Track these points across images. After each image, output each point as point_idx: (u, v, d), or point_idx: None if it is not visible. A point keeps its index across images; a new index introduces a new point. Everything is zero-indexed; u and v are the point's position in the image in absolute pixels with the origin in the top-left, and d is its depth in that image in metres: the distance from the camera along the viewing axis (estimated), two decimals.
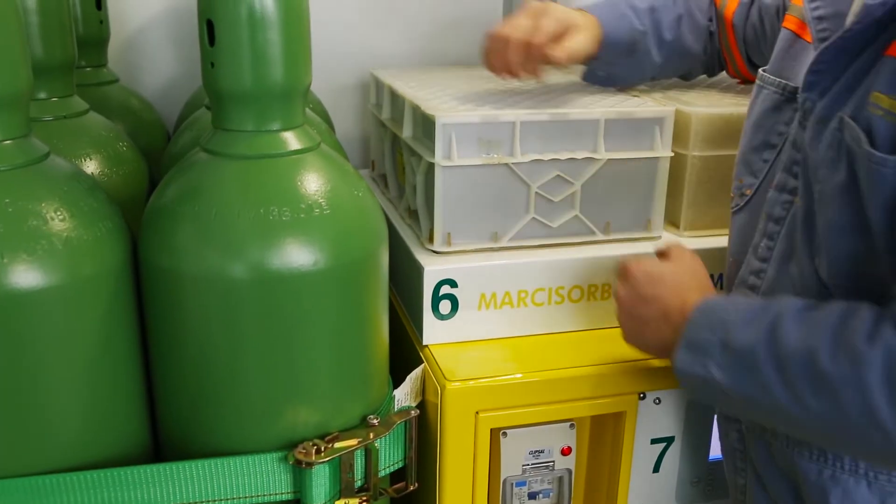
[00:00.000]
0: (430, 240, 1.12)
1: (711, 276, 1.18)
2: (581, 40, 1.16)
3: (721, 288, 1.20)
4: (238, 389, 0.90)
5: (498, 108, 1.10)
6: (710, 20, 1.28)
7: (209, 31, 0.86)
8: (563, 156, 1.11)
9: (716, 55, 1.31)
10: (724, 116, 1.19)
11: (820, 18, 0.92)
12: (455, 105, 1.12)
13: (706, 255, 1.17)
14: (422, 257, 1.11)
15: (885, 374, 0.73)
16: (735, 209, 1.07)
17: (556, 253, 1.13)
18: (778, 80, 1.00)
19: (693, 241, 1.20)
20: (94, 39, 1.36)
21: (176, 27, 1.54)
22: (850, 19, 0.87)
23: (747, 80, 1.31)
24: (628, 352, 1.02)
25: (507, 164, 1.09)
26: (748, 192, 1.03)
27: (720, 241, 1.20)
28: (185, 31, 1.55)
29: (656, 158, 1.15)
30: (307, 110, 1.11)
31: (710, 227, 1.22)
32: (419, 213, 1.16)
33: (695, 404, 1.12)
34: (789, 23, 1.03)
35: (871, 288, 0.82)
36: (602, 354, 1.09)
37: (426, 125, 1.12)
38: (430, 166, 1.09)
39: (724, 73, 1.36)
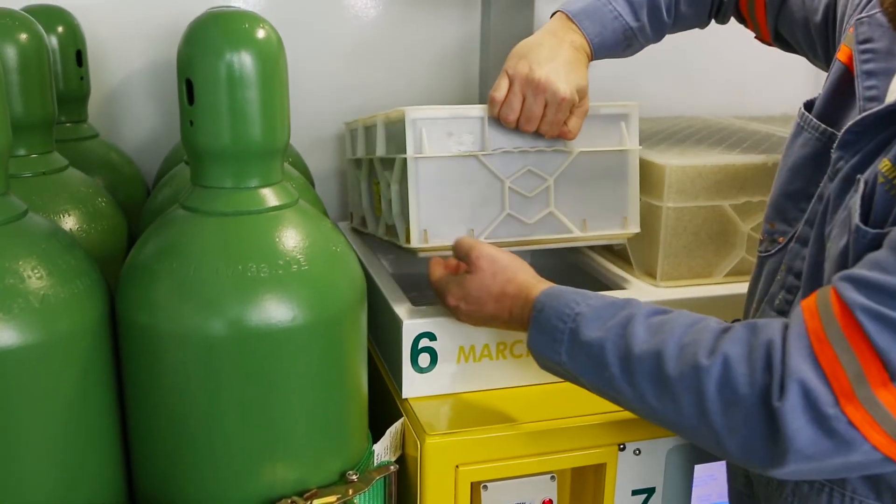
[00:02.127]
0: (408, 240, 1.13)
1: None
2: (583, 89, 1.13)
3: None
4: (216, 446, 0.89)
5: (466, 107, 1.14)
6: None
7: (188, 89, 0.87)
8: (532, 147, 1.14)
9: (721, 14, 1.27)
10: (698, 168, 1.20)
11: (869, 74, 0.90)
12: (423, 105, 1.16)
13: (683, 305, 1.18)
14: (401, 311, 1.11)
15: (720, 384, 0.78)
16: (764, 253, 1.04)
17: None
18: (821, 125, 0.97)
19: (671, 292, 1.21)
20: (74, 95, 1.37)
21: (156, 83, 1.56)
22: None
23: (764, 41, 1.27)
24: (608, 403, 1.01)
25: (477, 157, 1.12)
26: (781, 239, 1.01)
27: (698, 291, 1.22)
28: (164, 87, 1.56)
29: (625, 152, 1.19)
30: (286, 164, 1.12)
31: (687, 276, 1.24)
32: (395, 221, 1.18)
33: (676, 454, 1.12)
34: (843, 55, 0.98)
35: None
36: (582, 406, 1.09)
37: (398, 138, 1.14)
38: (404, 171, 1.11)
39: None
